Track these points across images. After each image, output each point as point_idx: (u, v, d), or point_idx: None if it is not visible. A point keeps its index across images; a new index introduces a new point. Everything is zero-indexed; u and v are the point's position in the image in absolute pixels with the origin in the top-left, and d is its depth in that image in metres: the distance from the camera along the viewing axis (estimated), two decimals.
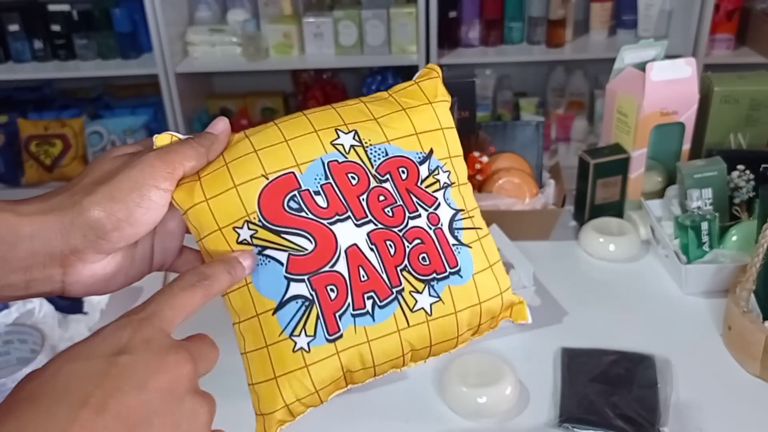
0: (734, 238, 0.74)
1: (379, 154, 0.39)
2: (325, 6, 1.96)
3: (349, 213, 0.37)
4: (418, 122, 0.40)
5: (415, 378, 0.63)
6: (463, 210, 0.41)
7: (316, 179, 0.37)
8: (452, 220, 0.40)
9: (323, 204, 0.37)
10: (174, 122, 1.92)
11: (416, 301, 0.38)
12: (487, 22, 1.91)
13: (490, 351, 0.64)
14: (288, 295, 0.37)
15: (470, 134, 0.85)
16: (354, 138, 0.39)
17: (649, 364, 0.62)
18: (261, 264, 0.37)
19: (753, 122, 0.84)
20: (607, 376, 0.61)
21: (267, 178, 0.37)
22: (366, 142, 0.39)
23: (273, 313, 0.37)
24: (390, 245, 0.38)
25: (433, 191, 0.40)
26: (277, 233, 0.36)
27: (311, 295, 0.37)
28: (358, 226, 0.37)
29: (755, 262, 0.62)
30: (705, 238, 0.73)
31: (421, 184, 0.39)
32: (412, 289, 0.38)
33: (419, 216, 0.39)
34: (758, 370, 0.61)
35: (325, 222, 0.37)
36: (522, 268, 0.69)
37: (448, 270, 0.39)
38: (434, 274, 0.39)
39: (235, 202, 0.37)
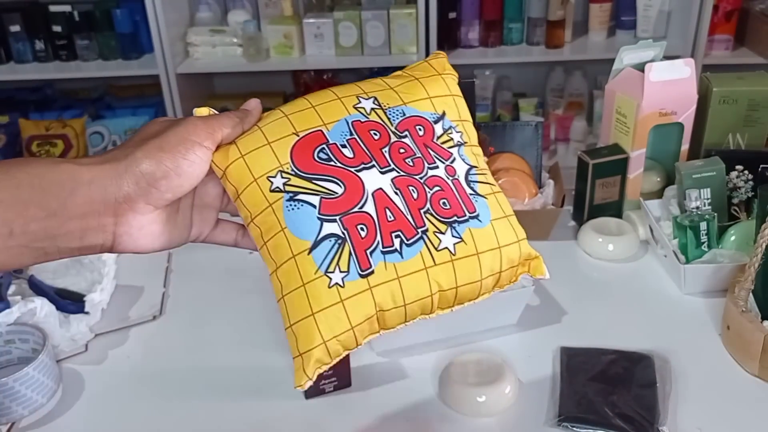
0: (733, 238, 0.74)
1: (397, 114, 0.44)
2: (325, 7, 1.96)
3: (374, 162, 0.41)
4: (431, 89, 0.45)
5: (415, 377, 0.63)
6: (477, 167, 0.45)
7: (342, 135, 0.42)
8: (468, 173, 0.44)
9: (349, 154, 0.41)
10: None
11: (440, 241, 0.42)
12: (487, 23, 1.92)
13: (490, 350, 0.64)
14: (322, 234, 0.40)
15: None
16: (374, 102, 0.44)
17: (648, 364, 0.62)
18: (294, 209, 0.40)
19: (751, 122, 0.84)
20: (606, 375, 0.61)
21: (297, 135, 0.42)
22: (385, 105, 0.44)
23: (308, 253, 0.40)
24: (413, 190, 0.42)
25: (448, 147, 0.44)
26: (309, 179, 0.41)
27: (343, 233, 0.40)
28: (382, 173, 0.41)
29: (754, 261, 0.62)
30: (704, 238, 0.73)
31: (437, 140, 0.44)
32: (436, 230, 0.42)
33: (437, 167, 0.43)
34: (757, 369, 0.61)
35: (352, 169, 0.41)
36: None
37: (468, 214, 0.43)
38: (455, 217, 0.42)
39: (268, 155, 0.41)
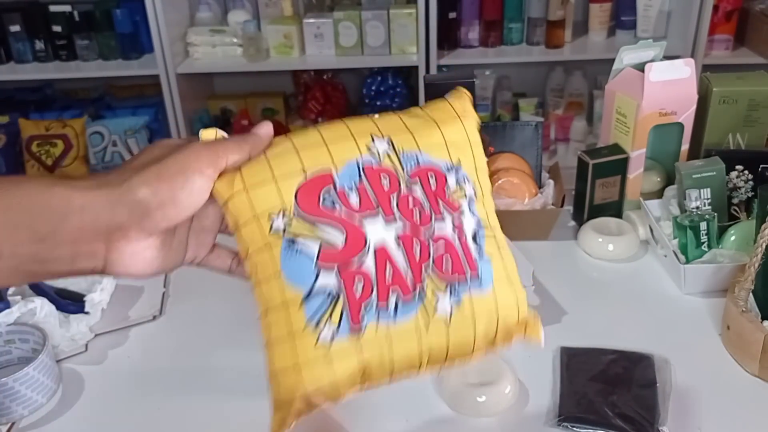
0: (733, 237, 0.74)
1: (410, 161, 0.41)
2: (325, 7, 1.96)
3: (380, 212, 0.39)
4: (448, 134, 0.43)
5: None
6: (486, 222, 0.43)
7: (351, 178, 0.40)
8: (475, 231, 0.42)
9: (356, 202, 0.39)
10: (175, 123, 1.93)
11: (437, 300, 0.40)
12: (487, 23, 1.92)
13: None
14: (317, 285, 0.39)
15: None
16: (388, 144, 0.41)
17: (648, 364, 0.62)
18: (293, 254, 0.39)
19: (751, 122, 0.84)
20: (606, 375, 0.61)
21: (305, 174, 0.39)
22: (399, 149, 0.41)
23: (301, 302, 0.38)
24: (416, 246, 0.40)
25: (459, 200, 0.42)
26: (312, 224, 0.39)
27: (339, 286, 0.39)
28: (387, 224, 0.39)
29: (754, 261, 0.62)
30: (704, 238, 0.73)
31: (448, 192, 0.42)
32: (435, 288, 0.40)
33: (444, 221, 0.41)
34: (757, 369, 0.61)
35: (356, 218, 0.39)
36: (521, 268, 0.69)
37: (469, 275, 0.41)
38: (456, 276, 0.41)
39: (273, 192, 0.39)
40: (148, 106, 2.09)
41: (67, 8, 1.92)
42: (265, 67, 1.90)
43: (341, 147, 0.40)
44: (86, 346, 0.68)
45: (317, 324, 0.38)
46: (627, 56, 0.82)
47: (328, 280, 0.38)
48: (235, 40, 1.88)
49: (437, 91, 0.85)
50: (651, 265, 0.79)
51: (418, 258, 0.39)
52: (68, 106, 2.13)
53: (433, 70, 1.84)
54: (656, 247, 0.80)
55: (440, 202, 0.41)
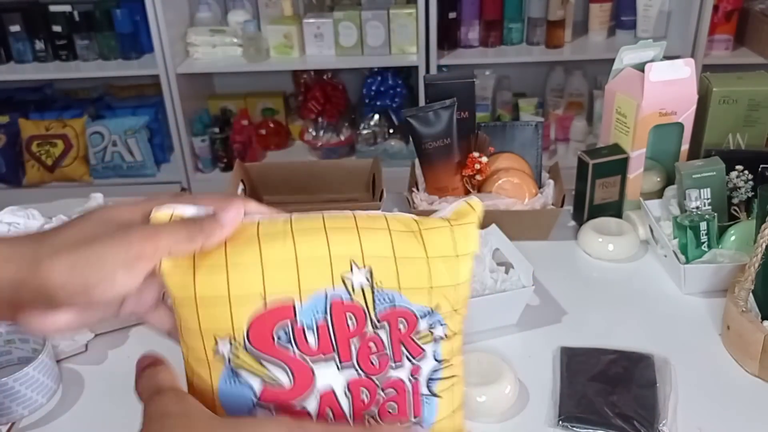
0: (733, 238, 0.74)
1: (385, 301, 0.37)
2: (325, 7, 1.96)
3: (335, 355, 0.36)
4: (436, 276, 0.39)
5: None
6: (447, 360, 0.40)
7: (313, 315, 0.36)
8: (432, 371, 0.39)
9: (313, 342, 0.36)
10: (175, 123, 1.93)
11: None
12: (487, 23, 1.92)
13: (490, 350, 0.64)
14: None
15: (470, 134, 0.85)
16: (366, 276, 0.37)
17: (648, 364, 0.62)
18: (232, 384, 0.35)
19: (752, 122, 0.84)
20: (606, 375, 0.61)
21: (265, 302, 0.35)
22: (377, 285, 0.37)
23: None
24: (365, 393, 0.37)
25: (424, 344, 0.39)
26: (258, 360, 0.35)
27: None
28: (340, 370, 0.36)
29: (754, 261, 0.62)
30: (704, 238, 0.73)
31: (415, 336, 0.38)
32: None
33: (402, 367, 0.38)
34: (757, 369, 0.61)
35: (308, 360, 0.36)
36: (521, 268, 0.69)
37: (412, 421, 0.39)
38: (397, 424, 0.38)
39: (224, 314, 0.35)
40: (148, 106, 2.09)
41: (67, 8, 1.92)
42: (265, 67, 1.90)
43: (313, 272, 0.36)
44: (86, 346, 0.68)
45: None
46: (627, 56, 0.82)
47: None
48: (235, 40, 1.88)
49: (437, 91, 0.85)
50: (651, 265, 0.79)
51: (365, 402, 0.37)
52: (68, 106, 2.13)
53: (433, 70, 1.84)
54: (656, 247, 0.80)
55: (403, 347, 0.38)
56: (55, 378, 0.62)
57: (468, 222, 0.39)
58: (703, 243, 0.73)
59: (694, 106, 0.81)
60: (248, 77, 2.07)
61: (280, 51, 1.89)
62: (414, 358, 0.38)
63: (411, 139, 0.85)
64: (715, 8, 1.79)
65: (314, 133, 2.02)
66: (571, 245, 0.83)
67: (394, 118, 2.01)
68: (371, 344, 0.37)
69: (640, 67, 0.79)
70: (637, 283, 0.77)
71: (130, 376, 0.68)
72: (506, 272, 0.70)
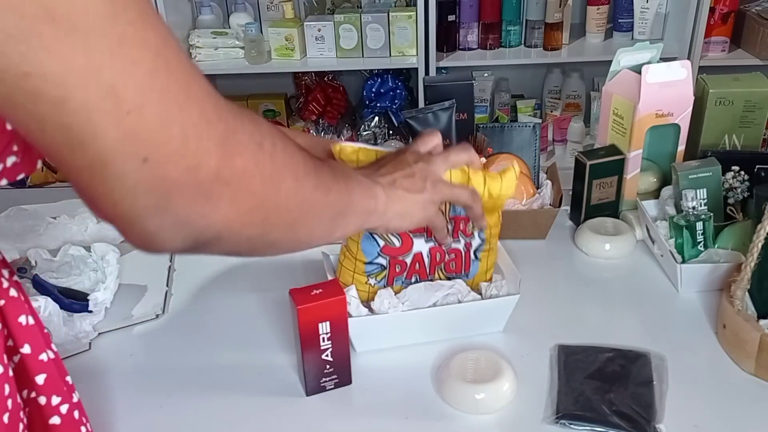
0: (729, 237, 0.75)
1: (454, 210, 0.66)
2: (326, 10, 1.97)
3: (425, 234, 0.66)
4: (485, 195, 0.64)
5: (414, 374, 0.64)
6: (487, 241, 0.68)
7: None
8: (478, 245, 0.68)
9: None
10: None
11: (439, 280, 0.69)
12: (485, 25, 1.93)
13: (488, 348, 0.65)
14: (376, 260, 0.65)
15: (468, 136, 0.86)
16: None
17: (645, 362, 0.63)
18: (369, 239, 0.64)
19: (747, 124, 0.85)
20: (603, 373, 0.62)
21: None
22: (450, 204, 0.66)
23: (365, 263, 0.65)
24: (438, 255, 0.67)
25: (474, 231, 0.67)
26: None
27: (386, 265, 0.66)
28: (426, 242, 0.66)
29: (749, 261, 0.63)
30: (700, 238, 0.74)
31: (469, 227, 0.67)
32: (439, 278, 0.69)
33: (460, 242, 0.68)
34: (753, 367, 0.62)
35: (410, 234, 0.65)
36: (510, 276, 0.70)
37: (462, 273, 0.69)
38: (453, 275, 0.69)
39: None
40: None
41: None
42: (267, 69, 1.90)
43: None
44: (90, 344, 0.69)
45: (369, 276, 0.66)
46: (624, 58, 0.83)
47: (382, 260, 0.65)
48: (236, 42, 1.89)
49: (437, 92, 0.86)
50: (648, 264, 0.80)
51: (437, 260, 0.68)
52: None
53: (433, 72, 1.85)
54: (653, 246, 0.81)
55: (460, 233, 0.67)
56: None
57: (510, 175, 0.63)
58: (700, 243, 0.74)
59: (691, 108, 0.81)
60: (250, 79, 2.08)
61: (281, 53, 1.90)
62: (467, 238, 0.67)
63: (410, 140, 0.86)
64: (712, 10, 1.80)
65: (315, 134, 2.03)
66: (569, 245, 0.84)
67: (393, 119, 2.02)
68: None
69: (637, 69, 0.80)
70: (634, 282, 0.77)
71: (134, 375, 0.69)
72: (499, 279, 0.71)
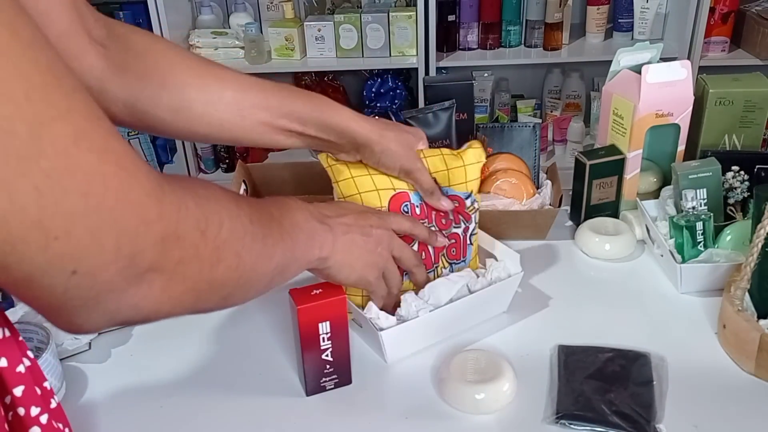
0: (729, 237, 0.75)
1: (445, 191, 0.67)
2: (326, 10, 1.98)
3: (426, 221, 0.67)
4: (469, 175, 0.68)
5: (414, 374, 0.64)
6: (477, 225, 0.71)
7: (418, 199, 0.67)
8: (471, 231, 0.70)
9: (418, 212, 0.67)
10: None
11: (443, 269, 0.70)
12: (485, 25, 1.93)
13: (488, 348, 0.65)
14: None
15: (468, 136, 0.86)
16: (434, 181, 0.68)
17: (645, 362, 0.63)
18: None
19: (747, 124, 0.85)
20: (603, 373, 0.62)
21: (394, 190, 0.66)
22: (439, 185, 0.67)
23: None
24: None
25: (471, 213, 0.69)
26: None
27: None
28: (428, 226, 0.67)
29: (749, 261, 0.63)
30: (700, 238, 0.74)
31: (467, 208, 0.69)
32: (443, 266, 0.69)
33: (459, 227, 0.69)
34: (753, 368, 0.62)
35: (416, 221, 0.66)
36: (508, 257, 0.70)
37: (461, 258, 0.71)
38: (454, 261, 0.70)
39: (375, 197, 0.65)
40: None
41: None
42: (267, 69, 1.91)
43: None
44: (90, 344, 0.69)
45: None
46: (624, 58, 0.83)
47: None
48: (236, 42, 1.89)
49: (437, 92, 0.86)
50: (648, 264, 0.80)
51: (440, 247, 0.68)
52: None
53: (433, 72, 1.85)
54: (653, 246, 0.81)
55: (460, 216, 0.69)
56: (59, 376, 0.62)
57: (477, 147, 0.69)
58: (699, 243, 0.74)
59: (691, 108, 0.81)
60: None
61: (281, 53, 1.90)
62: (466, 222, 0.69)
63: None
64: (712, 10, 1.80)
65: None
66: (569, 245, 0.84)
67: (393, 119, 2.02)
68: (442, 213, 0.68)
69: (637, 69, 0.80)
70: (634, 282, 0.77)
71: (133, 374, 0.69)
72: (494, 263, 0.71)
